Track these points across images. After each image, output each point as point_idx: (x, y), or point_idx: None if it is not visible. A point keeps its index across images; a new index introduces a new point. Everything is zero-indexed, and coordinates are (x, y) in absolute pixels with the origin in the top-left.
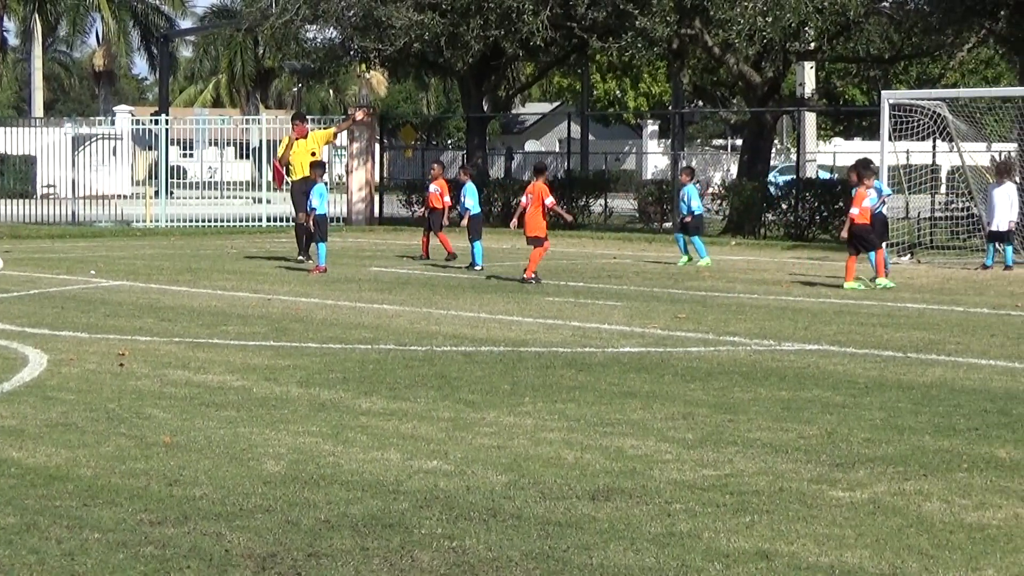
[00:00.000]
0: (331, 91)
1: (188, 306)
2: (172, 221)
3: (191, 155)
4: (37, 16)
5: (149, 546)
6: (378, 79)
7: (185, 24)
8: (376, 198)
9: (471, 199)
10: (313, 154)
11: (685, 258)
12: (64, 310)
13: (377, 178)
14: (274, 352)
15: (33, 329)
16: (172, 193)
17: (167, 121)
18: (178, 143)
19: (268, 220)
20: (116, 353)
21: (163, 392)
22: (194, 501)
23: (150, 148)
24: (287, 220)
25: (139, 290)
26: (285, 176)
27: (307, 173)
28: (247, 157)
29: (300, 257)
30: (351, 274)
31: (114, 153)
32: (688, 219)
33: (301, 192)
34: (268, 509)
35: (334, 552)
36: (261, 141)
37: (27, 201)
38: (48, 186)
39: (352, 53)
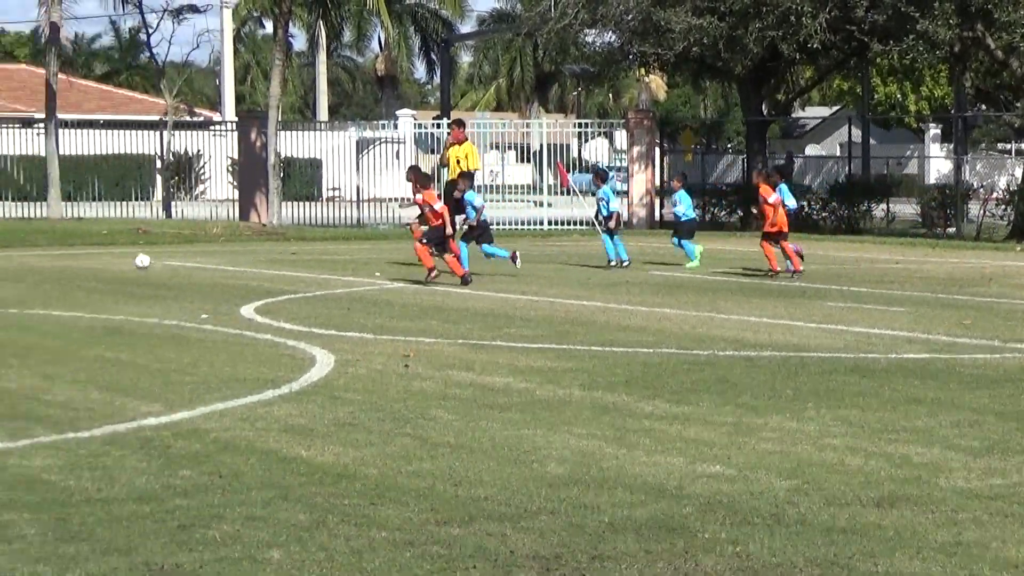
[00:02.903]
0: (610, 95)
1: (471, 308)
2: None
3: None
4: (322, 23)
5: (435, 545)
6: (657, 83)
7: (464, 29)
8: (657, 202)
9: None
10: None
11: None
12: (350, 311)
13: (657, 182)
14: (556, 354)
15: (320, 330)
16: None
17: (449, 125)
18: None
19: (549, 223)
20: (401, 354)
21: (447, 393)
22: (478, 502)
23: (433, 152)
24: (569, 223)
25: (423, 291)
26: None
27: None
28: (528, 160)
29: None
30: (631, 277)
31: (397, 156)
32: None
33: None
34: (552, 511)
35: (618, 555)
36: (541, 145)
37: (313, 203)
38: (333, 189)
39: (631, 57)
